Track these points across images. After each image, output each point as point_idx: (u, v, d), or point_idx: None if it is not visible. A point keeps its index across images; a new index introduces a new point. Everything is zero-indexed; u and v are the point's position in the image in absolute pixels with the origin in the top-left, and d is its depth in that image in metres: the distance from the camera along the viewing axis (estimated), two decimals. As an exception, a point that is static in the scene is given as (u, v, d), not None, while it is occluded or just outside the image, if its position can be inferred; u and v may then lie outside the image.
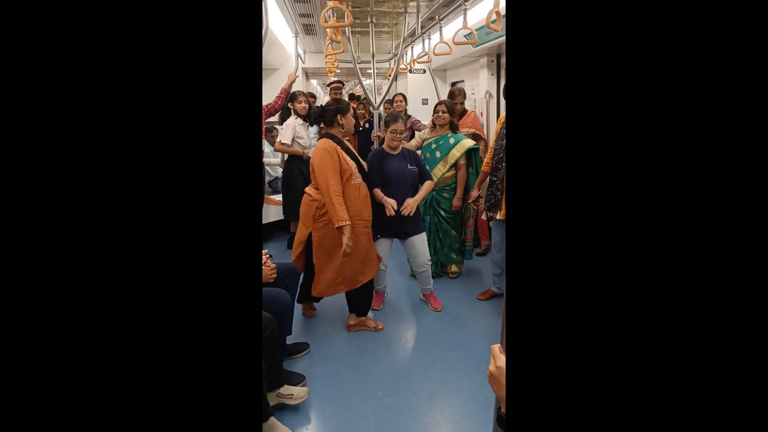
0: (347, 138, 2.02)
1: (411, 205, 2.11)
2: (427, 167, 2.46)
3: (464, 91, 2.94)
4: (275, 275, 1.63)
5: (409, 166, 2.18)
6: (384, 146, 2.21)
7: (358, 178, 1.94)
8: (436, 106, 2.56)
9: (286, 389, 1.59)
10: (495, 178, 2.22)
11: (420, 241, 2.24)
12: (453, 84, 5.54)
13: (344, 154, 1.90)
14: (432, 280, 2.39)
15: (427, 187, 2.23)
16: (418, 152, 2.54)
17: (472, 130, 2.88)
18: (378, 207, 2.09)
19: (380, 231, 2.19)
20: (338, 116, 1.94)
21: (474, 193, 2.47)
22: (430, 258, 2.31)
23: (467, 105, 4.70)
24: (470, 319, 2.27)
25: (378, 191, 2.09)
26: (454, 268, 2.78)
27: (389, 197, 2.07)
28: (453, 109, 2.58)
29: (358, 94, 6.33)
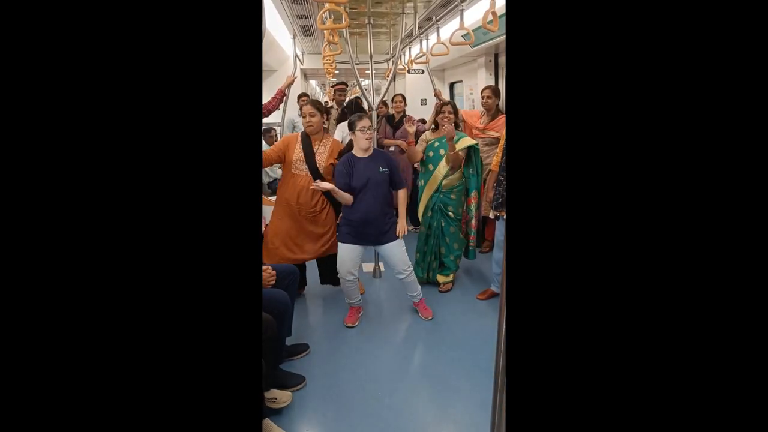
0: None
1: (401, 228, 2.10)
2: (432, 165, 2.45)
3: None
4: (273, 281, 1.66)
5: (381, 169, 2.06)
6: (353, 150, 2.09)
7: (299, 170, 2.22)
8: (441, 107, 2.46)
9: (271, 393, 1.58)
10: (502, 178, 2.20)
11: (398, 247, 2.13)
12: (451, 84, 5.55)
13: (298, 146, 2.22)
14: (419, 286, 2.29)
15: (402, 198, 2.14)
16: (425, 151, 2.51)
17: (498, 135, 2.81)
18: (347, 211, 2.09)
19: (349, 238, 2.09)
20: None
21: (490, 194, 2.38)
22: (410, 263, 2.20)
23: (466, 105, 4.70)
24: (469, 319, 2.27)
25: (336, 190, 2.00)
26: (449, 277, 2.61)
27: (362, 205, 2.05)
28: (457, 110, 2.54)
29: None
